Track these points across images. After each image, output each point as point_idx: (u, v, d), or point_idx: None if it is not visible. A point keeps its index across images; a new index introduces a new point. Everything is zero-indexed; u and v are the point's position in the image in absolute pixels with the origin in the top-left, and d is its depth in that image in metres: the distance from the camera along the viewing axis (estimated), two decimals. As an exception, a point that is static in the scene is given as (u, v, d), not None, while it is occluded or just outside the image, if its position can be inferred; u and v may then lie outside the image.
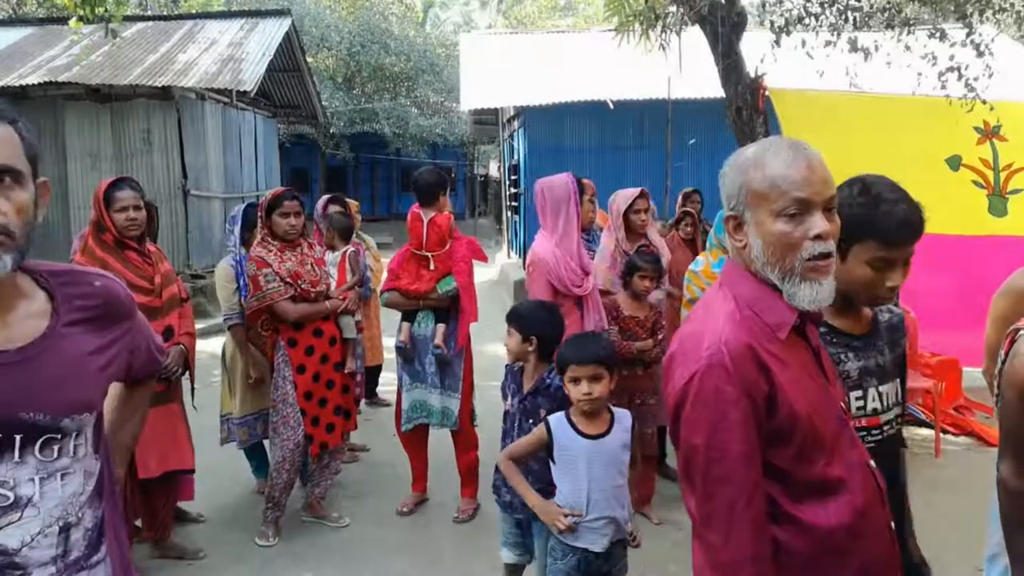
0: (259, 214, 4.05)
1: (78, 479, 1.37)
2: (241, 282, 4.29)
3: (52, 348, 1.34)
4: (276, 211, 3.92)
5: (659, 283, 4.16)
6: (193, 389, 3.97)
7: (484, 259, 4.45)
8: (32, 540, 1.30)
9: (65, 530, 1.34)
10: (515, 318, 3.07)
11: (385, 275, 4.49)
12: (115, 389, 1.64)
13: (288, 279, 3.87)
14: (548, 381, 2.98)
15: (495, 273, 13.92)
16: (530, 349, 2.99)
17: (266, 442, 4.40)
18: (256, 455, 4.64)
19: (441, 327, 4.17)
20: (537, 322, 3.03)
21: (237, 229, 4.46)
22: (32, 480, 1.30)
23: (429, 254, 4.17)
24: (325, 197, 5.52)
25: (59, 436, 1.33)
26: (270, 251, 3.92)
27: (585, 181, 4.27)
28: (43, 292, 1.38)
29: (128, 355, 1.52)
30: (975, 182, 6.19)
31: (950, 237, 6.02)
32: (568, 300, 3.88)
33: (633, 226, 4.48)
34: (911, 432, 5.48)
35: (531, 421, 2.97)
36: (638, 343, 4.05)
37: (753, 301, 1.46)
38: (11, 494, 1.28)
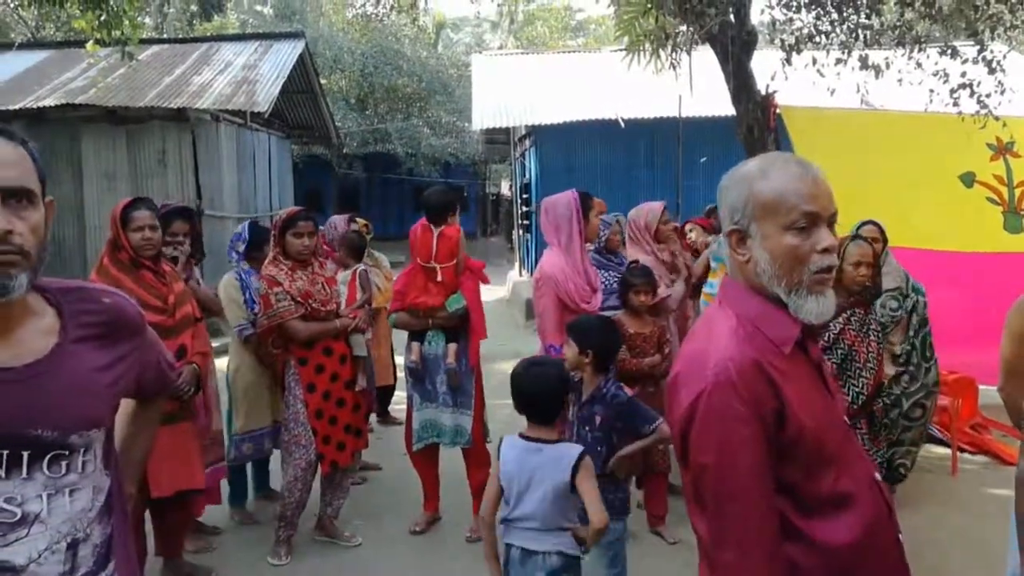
0: (272, 233, 4.08)
1: (87, 495, 1.37)
2: (247, 295, 4.34)
3: (60, 365, 1.34)
4: (290, 231, 3.93)
5: (655, 294, 4.17)
6: (207, 407, 3.97)
7: (486, 281, 4.46)
8: (40, 556, 1.29)
9: (73, 546, 1.34)
10: (573, 331, 3.22)
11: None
12: (126, 405, 1.64)
13: (299, 298, 3.88)
14: (604, 390, 3.12)
15: (506, 291, 13.90)
16: (586, 361, 3.12)
17: (270, 461, 4.39)
18: (241, 478, 4.57)
19: (453, 346, 4.16)
20: (593, 336, 3.15)
21: (241, 245, 4.53)
22: (40, 496, 1.30)
23: (437, 266, 4.18)
24: (337, 216, 5.55)
25: (67, 452, 1.33)
26: (281, 270, 3.93)
27: (594, 200, 4.29)
28: (52, 309, 1.38)
29: (138, 372, 1.53)
30: (989, 199, 6.15)
31: (965, 254, 5.98)
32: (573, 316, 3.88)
33: (664, 237, 4.75)
34: (928, 450, 5.42)
35: (587, 428, 3.12)
36: (647, 359, 4.04)
37: (755, 317, 1.45)
38: (18, 510, 1.28)
